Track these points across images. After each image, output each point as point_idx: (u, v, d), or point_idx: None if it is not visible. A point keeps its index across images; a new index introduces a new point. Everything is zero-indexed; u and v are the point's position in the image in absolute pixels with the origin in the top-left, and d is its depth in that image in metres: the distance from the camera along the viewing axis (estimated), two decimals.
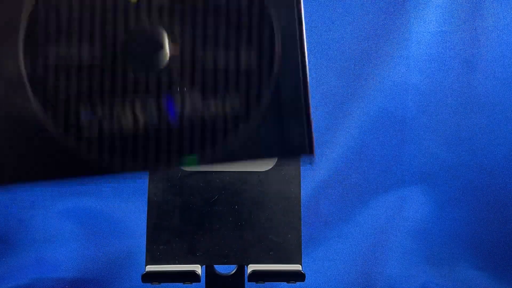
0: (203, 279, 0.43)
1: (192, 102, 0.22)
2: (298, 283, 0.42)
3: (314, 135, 0.24)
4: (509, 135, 0.65)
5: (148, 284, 0.41)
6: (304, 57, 0.23)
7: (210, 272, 0.44)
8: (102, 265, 0.62)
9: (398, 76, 0.65)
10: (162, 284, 0.41)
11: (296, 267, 0.41)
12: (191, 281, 0.41)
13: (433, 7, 0.64)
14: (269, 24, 0.23)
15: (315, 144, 0.24)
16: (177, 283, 0.42)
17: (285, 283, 0.42)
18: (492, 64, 0.65)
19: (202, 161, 0.23)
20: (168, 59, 0.22)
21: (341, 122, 0.66)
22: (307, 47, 0.24)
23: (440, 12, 0.65)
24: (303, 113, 0.23)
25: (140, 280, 0.41)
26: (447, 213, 0.67)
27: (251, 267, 0.42)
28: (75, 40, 0.22)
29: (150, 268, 0.41)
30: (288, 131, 0.23)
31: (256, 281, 0.42)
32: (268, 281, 0.42)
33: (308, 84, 0.23)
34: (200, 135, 0.22)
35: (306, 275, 0.41)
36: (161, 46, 0.22)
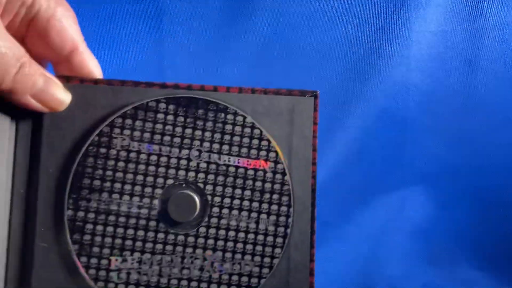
0: None
1: (211, 265, 0.26)
2: None
3: None
4: (510, 135, 0.65)
5: None
6: (314, 230, 0.28)
7: None
8: None
9: (399, 75, 0.65)
10: None
11: None
12: None
13: (434, 6, 0.64)
14: (287, 194, 0.27)
15: None
16: None
17: None
18: (493, 63, 0.65)
19: None
20: (196, 220, 0.26)
21: (341, 122, 0.66)
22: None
23: (441, 11, 0.65)
24: (307, 269, 0.28)
25: None
26: (448, 213, 0.67)
27: None
28: (115, 194, 0.25)
29: None
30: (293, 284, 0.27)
31: None
32: None
33: (314, 255, 0.28)
34: None
35: None
36: (194, 209, 0.26)
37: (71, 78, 0.25)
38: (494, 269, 0.65)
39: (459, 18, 0.65)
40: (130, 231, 0.25)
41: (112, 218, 0.25)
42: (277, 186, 0.27)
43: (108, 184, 0.25)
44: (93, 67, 0.26)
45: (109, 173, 0.25)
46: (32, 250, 0.24)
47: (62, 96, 0.24)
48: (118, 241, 0.25)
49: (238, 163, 0.26)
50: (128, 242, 0.25)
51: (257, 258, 0.26)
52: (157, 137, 0.25)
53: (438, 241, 0.66)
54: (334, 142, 0.66)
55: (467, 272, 0.65)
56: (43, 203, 0.24)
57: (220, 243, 0.26)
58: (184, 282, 0.25)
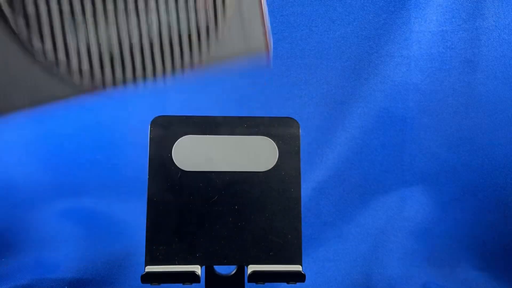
0: (202, 280, 0.43)
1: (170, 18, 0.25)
2: (298, 284, 0.42)
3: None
4: (510, 135, 0.65)
5: (148, 285, 0.41)
6: None
7: (210, 273, 0.44)
8: (102, 266, 0.62)
9: (399, 76, 0.65)
10: (161, 284, 0.41)
11: (297, 267, 0.41)
12: (191, 282, 0.41)
13: (433, 7, 0.64)
14: None
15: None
16: (176, 284, 0.42)
17: (285, 283, 0.42)
18: (493, 63, 0.65)
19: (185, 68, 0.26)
20: None
21: (341, 123, 0.66)
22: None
23: (441, 12, 0.65)
24: (259, 18, 0.29)
25: (140, 281, 0.41)
26: (447, 213, 0.67)
27: (251, 268, 0.41)
28: None
29: (149, 268, 0.41)
30: (249, 35, 0.28)
31: (256, 282, 0.41)
32: (268, 282, 0.42)
33: None
34: (178, 46, 0.26)
35: (306, 275, 0.41)
36: None
37: None
38: (494, 269, 0.65)
39: (459, 18, 0.65)
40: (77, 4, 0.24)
41: None
42: None
43: None
44: None
45: None
46: None
47: None
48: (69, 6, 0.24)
49: None
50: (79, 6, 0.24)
51: (211, 6, 0.27)
52: None
53: (438, 241, 0.66)
54: (334, 142, 0.66)
55: (467, 272, 0.65)
56: None
57: None
58: (145, 39, 0.25)
